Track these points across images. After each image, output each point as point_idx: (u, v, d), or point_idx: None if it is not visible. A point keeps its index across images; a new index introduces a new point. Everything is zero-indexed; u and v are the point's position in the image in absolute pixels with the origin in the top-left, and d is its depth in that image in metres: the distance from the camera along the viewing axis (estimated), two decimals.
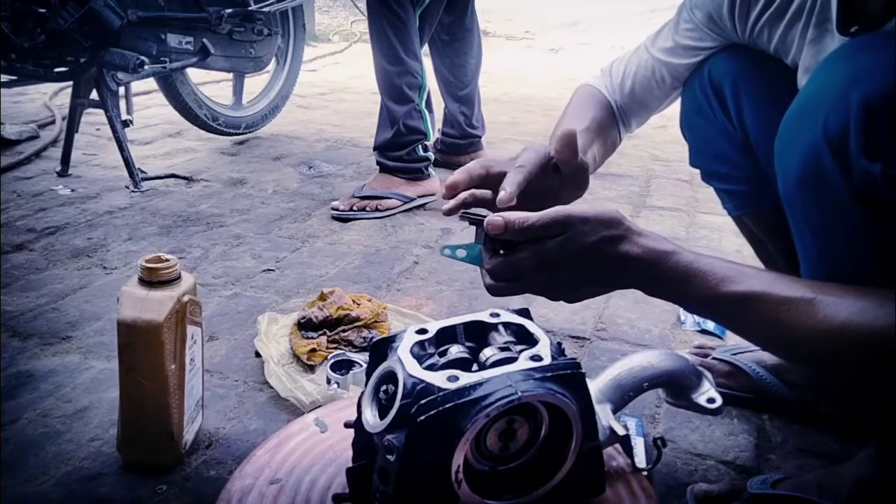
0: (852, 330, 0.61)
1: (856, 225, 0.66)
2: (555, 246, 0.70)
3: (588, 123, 0.98)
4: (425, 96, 2.09)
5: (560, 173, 0.85)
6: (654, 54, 1.03)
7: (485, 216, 0.72)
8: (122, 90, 2.20)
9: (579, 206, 0.72)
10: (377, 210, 1.98)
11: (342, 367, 1.15)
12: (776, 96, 0.93)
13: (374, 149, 2.12)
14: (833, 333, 0.62)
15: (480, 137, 2.42)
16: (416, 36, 2.04)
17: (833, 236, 0.69)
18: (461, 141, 2.39)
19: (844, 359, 0.63)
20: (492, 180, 0.82)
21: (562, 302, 0.77)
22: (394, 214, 2.00)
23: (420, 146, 2.09)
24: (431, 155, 2.13)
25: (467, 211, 0.76)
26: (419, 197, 2.09)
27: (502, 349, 0.68)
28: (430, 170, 2.13)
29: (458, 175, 0.81)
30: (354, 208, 1.97)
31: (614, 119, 1.06)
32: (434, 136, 2.23)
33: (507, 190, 0.77)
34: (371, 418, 0.66)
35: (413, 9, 2.02)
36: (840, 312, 0.62)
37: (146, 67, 2.06)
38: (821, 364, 0.69)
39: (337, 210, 1.97)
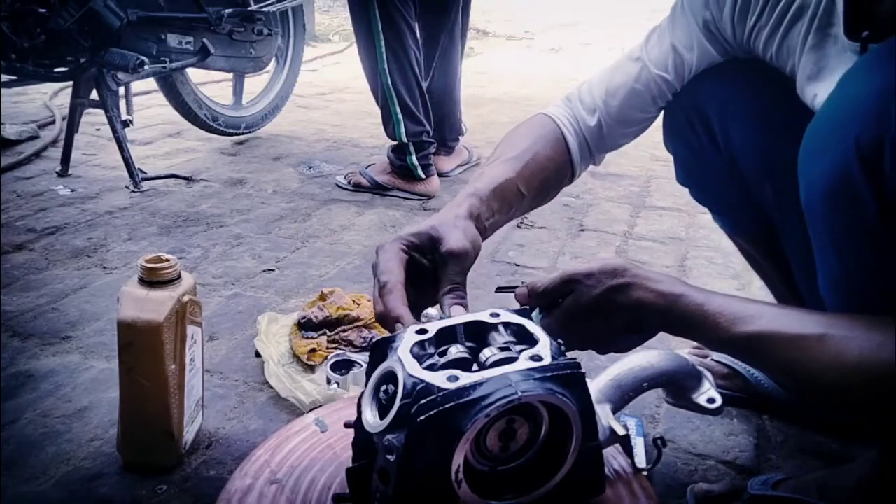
0: (864, 366, 0.60)
1: (882, 243, 0.63)
2: (568, 305, 0.75)
3: (513, 172, 0.89)
4: (395, 98, 2.09)
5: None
6: (655, 71, 0.95)
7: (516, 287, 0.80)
8: (122, 90, 2.21)
9: (584, 264, 0.75)
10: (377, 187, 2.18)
11: (342, 367, 1.15)
12: (765, 117, 0.91)
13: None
14: (844, 370, 0.61)
15: (448, 141, 2.38)
16: (380, 39, 2.05)
17: (857, 253, 0.67)
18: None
19: (857, 395, 0.62)
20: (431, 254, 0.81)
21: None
22: (392, 196, 2.17)
23: (409, 149, 2.12)
24: (416, 160, 2.13)
25: (501, 287, 0.86)
26: (415, 195, 2.15)
27: (502, 349, 0.68)
28: (422, 172, 2.14)
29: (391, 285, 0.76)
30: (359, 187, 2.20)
31: (566, 157, 0.97)
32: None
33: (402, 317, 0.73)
34: (371, 418, 0.65)
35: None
36: (851, 348, 0.61)
37: (146, 67, 2.07)
38: (834, 400, 0.68)
39: (340, 184, 2.22)
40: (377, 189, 2.17)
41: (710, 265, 1.72)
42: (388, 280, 0.75)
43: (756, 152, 0.93)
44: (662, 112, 1.01)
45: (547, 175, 0.94)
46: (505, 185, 0.88)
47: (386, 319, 0.74)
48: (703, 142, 0.98)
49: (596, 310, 0.74)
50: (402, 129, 2.10)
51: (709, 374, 0.87)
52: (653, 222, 2.01)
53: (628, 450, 0.81)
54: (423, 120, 2.14)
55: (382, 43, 2.04)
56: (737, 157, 0.96)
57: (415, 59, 2.11)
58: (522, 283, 0.80)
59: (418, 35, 2.17)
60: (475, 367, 0.67)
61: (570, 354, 0.68)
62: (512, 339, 0.70)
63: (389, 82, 2.07)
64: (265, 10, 2.52)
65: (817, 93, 0.78)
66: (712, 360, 1.13)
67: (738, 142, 0.95)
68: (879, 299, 0.65)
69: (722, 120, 0.95)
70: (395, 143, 2.15)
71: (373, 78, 2.12)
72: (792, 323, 0.65)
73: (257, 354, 1.22)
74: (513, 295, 0.81)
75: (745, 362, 1.05)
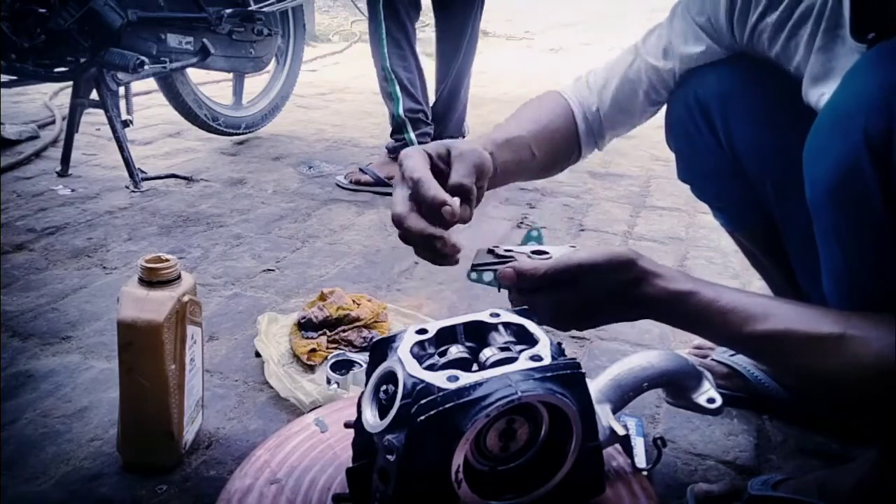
0: (883, 368, 0.60)
1: (887, 238, 0.63)
2: (569, 296, 0.73)
3: (525, 133, 0.91)
4: (395, 79, 2.22)
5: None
6: (647, 59, 0.98)
7: (499, 264, 0.75)
8: (122, 90, 2.21)
9: (590, 253, 0.72)
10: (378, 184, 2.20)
11: (342, 367, 1.15)
12: (767, 113, 0.91)
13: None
14: (863, 371, 0.61)
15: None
16: (382, 28, 2.20)
17: (861, 249, 0.67)
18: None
19: (874, 395, 0.62)
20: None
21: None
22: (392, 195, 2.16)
23: (406, 126, 2.22)
24: (413, 137, 2.23)
25: (478, 264, 0.79)
26: None
27: (502, 349, 0.68)
28: None
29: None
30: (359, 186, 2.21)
31: (574, 135, 0.99)
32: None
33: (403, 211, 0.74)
34: (371, 418, 0.65)
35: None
36: (870, 350, 0.60)
37: (146, 67, 2.06)
38: (851, 399, 0.68)
39: (340, 184, 2.23)
40: (379, 185, 2.18)
41: (710, 265, 1.72)
42: (421, 175, 0.75)
43: (757, 148, 0.93)
44: (665, 108, 1.02)
45: (556, 145, 0.96)
46: (517, 141, 0.89)
47: (431, 207, 0.73)
48: (705, 137, 0.98)
49: (598, 302, 0.73)
50: (401, 105, 2.23)
51: (709, 374, 0.87)
52: (653, 222, 2.01)
53: (628, 450, 0.81)
54: (420, 100, 2.26)
55: (384, 30, 2.21)
56: (738, 153, 0.96)
57: (413, 44, 2.26)
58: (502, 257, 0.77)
59: (416, 26, 2.32)
60: (475, 367, 0.67)
61: (560, 338, 0.68)
62: (512, 339, 0.70)
63: (389, 65, 2.22)
64: (265, 10, 2.52)
65: (824, 92, 0.77)
66: (712, 359, 1.13)
67: (739, 137, 0.95)
68: (883, 295, 0.65)
69: (724, 115, 0.95)
70: (392, 128, 2.25)
71: (377, 59, 2.25)
72: (807, 322, 0.65)
73: (257, 354, 1.22)
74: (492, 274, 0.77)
75: (758, 361, 1.04)
